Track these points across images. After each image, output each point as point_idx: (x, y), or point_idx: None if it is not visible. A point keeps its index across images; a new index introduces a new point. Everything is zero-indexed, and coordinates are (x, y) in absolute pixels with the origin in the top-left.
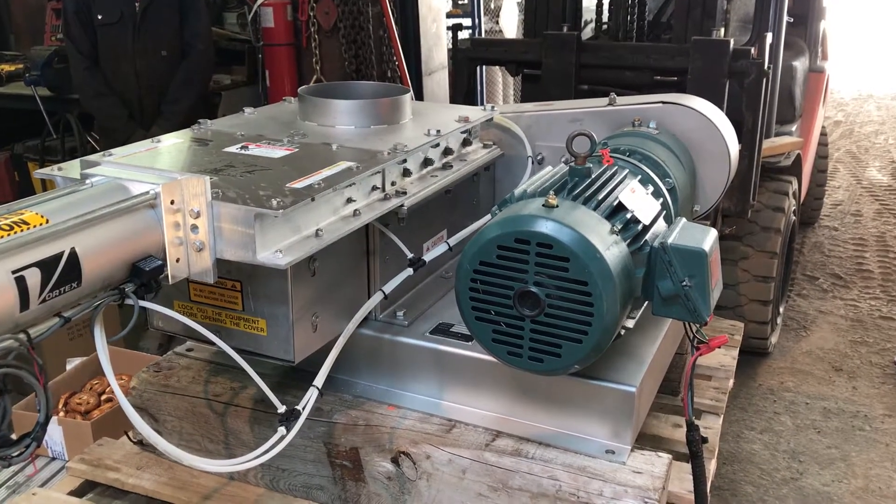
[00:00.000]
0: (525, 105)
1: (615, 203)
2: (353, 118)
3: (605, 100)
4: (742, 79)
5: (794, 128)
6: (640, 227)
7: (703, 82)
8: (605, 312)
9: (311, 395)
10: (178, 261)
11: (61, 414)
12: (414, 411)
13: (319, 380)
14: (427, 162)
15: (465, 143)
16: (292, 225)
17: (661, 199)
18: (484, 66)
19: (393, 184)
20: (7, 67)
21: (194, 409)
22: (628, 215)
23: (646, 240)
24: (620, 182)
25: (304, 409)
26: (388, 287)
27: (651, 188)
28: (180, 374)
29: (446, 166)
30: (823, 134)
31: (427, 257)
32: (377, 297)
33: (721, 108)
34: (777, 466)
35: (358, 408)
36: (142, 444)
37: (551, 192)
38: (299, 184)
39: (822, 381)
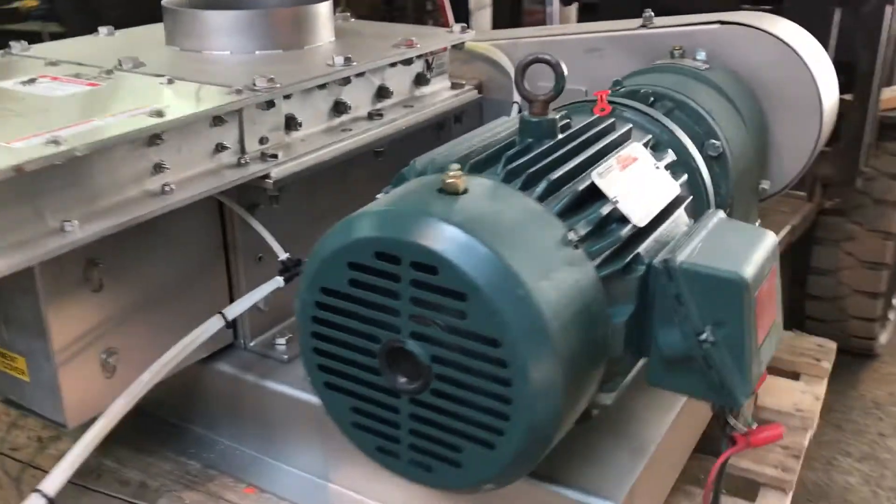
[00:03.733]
0: (526, 30)
1: (582, 187)
2: (229, 39)
3: (638, 21)
4: (857, 6)
5: None
6: (625, 230)
7: (805, 11)
8: (532, 396)
9: None
10: None
11: None
12: (280, 501)
13: (52, 483)
14: (339, 108)
15: (420, 80)
16: (28, 209)
17: (686, 177)
18: None
19: (264, 141)
20: (29, 3)
21: None
22: (605, 209)
23: (638, 253)
24: (612, 147)
25: None
26: (235, 308)
27: (668, 158)
28: None
29: (374, 116)
30: None
31: None
32: (211, 326)
33: (827, 46)
34: None
35: (200, 486)
36: None
37: (454, 167)
38: (23, 142)
39: None
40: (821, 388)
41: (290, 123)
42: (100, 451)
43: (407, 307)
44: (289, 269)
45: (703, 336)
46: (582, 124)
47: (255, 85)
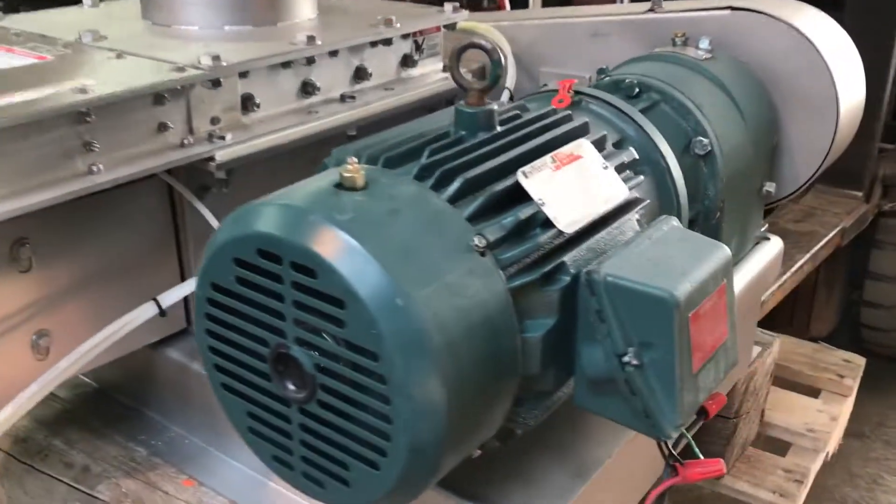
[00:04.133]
0: (532, 11)
1: (501, 187)
2: (197, 13)
3: (647, 5)
4: None
5: None
6: (546, 236)
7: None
8: (412, 416)
9: None
10: None
11: None
12: (217, 496)
13: None
14: (307, 89)
15: (407, 62)
16: None
17: (641, 178)
18: None
19: (216, 121)
20: None
21: None
22: (524, 213)
23: (563, 262)
24: (558, 142)
25: None
26: (171, 295)
27: (624, 157)
28: None
29: (347, 98)
30: None
31: None
32: (143, 312)
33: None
34: None
35: (140, 475)
36: None
37: (351, 159)
38: None
39: None
40: (840, 408)
41: (248, 104)
42: (51, 431)
43: (291, 311)
44: None
45: (626, 358)
46: (529, 116)
47: (199, 63)
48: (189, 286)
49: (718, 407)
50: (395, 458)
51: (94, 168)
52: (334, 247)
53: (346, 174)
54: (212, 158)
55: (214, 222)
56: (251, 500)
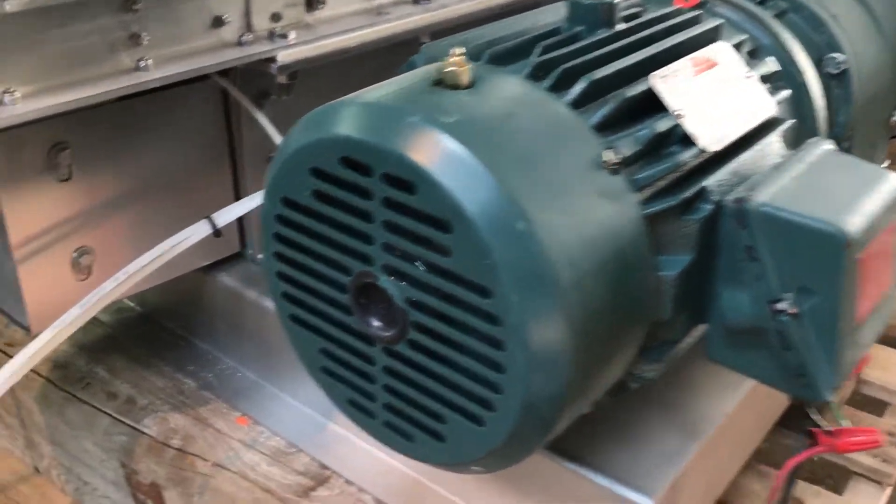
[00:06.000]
0: None
1: (634, 92)
2: None
3: None
4: None
5: None
6: (688, 154)
7: None
8: (530, 366)
9: None
10: None
11: None
12: (274, 436)
13: None
14: None
15: None
16: None
17: (788, 94)
18: None
19: (277, 18)
20: None
21: None
22: (662, 125)
23: (704, 187)
24: (688, 46)
25: None
26: (227, 214)
27: (767, 67)
28: None
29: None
30: None
31: None
32: (196, 232)
33: None
34: None
35: (189, 410)
36: None
37: (456, 51)
38: None
39: None
40: None
41: (312, 1)
42: (93, 358)
43: (380, 233)
44: None
45: (781, 305)
46: (653, 15)
47: None
48: (246, 205)
49: (862, 367)
50: (504, 414)
51: (142, 63)
52: (439, 155)
53: (449, 69)
54: (273, 59)
55: (274, 133)
56: (311, 442)
